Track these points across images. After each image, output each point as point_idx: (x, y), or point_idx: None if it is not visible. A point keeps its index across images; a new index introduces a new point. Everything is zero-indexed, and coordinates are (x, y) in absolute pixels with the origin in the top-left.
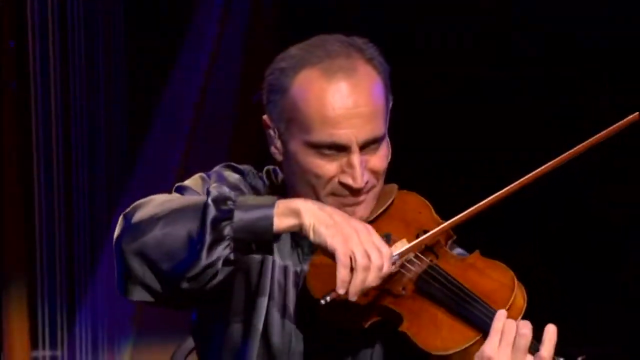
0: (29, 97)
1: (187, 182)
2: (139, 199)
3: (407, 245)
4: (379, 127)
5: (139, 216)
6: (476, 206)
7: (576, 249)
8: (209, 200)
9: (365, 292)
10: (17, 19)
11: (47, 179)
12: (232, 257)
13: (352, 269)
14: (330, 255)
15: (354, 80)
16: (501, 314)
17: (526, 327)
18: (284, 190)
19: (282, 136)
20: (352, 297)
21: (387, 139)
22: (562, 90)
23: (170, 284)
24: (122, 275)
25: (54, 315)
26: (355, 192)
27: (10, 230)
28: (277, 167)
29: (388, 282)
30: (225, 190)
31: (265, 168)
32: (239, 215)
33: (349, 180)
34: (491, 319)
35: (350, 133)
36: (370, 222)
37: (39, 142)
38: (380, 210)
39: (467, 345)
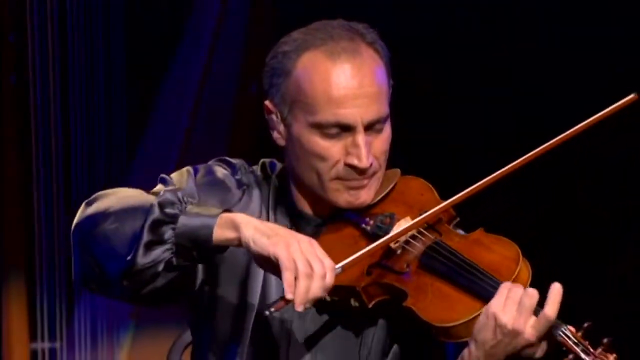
0: (28, 90)
1: (173, 175)
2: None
3: (410, 222)
4: (383, 107)
5: (95, 207)
6: (477, 184)
7: (572, 240)
8: (155, 202)
9: (311, 303)
10: (17, 12)
11: (46, 172)
12: (174, 262)
13: (295, 278)
14: (274, 264)
15: (358, 61)
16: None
17: (533, 290)
18: (282, 180)
19: (285, 120)
20: (299, 307)
21: (389, 122)
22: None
23: (112, 279)
24: (76, 264)
25: (53, 308)
26: (360, 172)
27: (10, 223)
28: (274, 160)
29: (392, 260)
30: (177, 195)
31: (261, 161)
32: (182, 221)
33: (354, 161)
34: (496, 289)
35: (355, 112)
36: (373, 205)
37: (38, 135)
38: (383, 194)
39: (472, 316)
